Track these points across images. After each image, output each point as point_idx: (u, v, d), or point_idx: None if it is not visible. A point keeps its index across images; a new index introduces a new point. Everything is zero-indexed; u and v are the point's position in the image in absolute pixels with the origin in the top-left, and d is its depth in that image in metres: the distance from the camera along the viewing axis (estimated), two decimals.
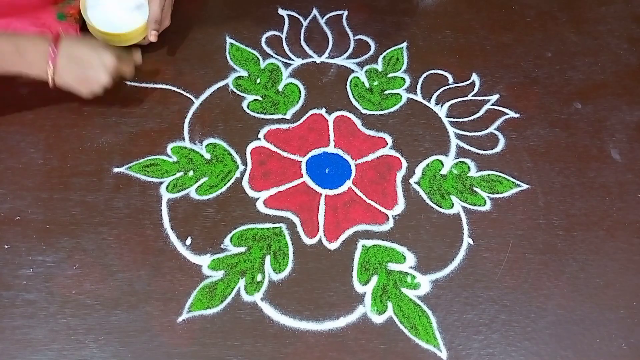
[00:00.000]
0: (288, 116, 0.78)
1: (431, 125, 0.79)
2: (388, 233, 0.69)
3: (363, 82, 0.82)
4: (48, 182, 0.68)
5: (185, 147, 0.73)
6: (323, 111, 0.79)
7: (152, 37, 0.75)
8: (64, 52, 0.65)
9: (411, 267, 0.67)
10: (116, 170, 0.70)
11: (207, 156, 0.73)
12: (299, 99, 0.79)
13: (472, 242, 0.69)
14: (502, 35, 0.90)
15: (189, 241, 0.66)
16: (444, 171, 0.75)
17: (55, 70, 0.64)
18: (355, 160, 0.75)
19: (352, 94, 0.81)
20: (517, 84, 0.84)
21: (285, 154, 0.74)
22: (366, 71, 0.83)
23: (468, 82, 0.83)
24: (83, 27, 0.77)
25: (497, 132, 0.79)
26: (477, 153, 0.77)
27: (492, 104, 0.82)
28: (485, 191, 0.73)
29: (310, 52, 0.84)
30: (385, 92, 0.81)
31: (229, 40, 0.84)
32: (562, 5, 0.95)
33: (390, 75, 0.83)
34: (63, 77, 0.66)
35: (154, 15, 0.74)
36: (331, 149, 0.75)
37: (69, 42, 0.66)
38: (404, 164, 0.75)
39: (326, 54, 0.84)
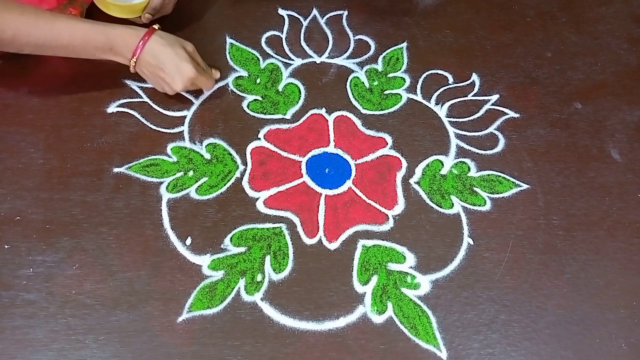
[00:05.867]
0: (288, 116, 0.78)
1: (431, 125, 0.79)
2: (388, 233, 0.69)
3: (363, 82, 0.82)
4: (48, 182, 0.68)
5: (185, 147, 0.73)
6: (323, 111, 0.79)
7: (145, 19, 0.79)
8: (149, 51, 0.69)
9: (411, 267, 0.67)
10: (116, 170, 0.70)
11: (207, 156, 0.73)
12: (299, 99, 0.79)
13: (472, 242, 0.69)
14: (502, 35, 0.90)
15: (189, 241, 0.66)
16: (444, 171, 0.75)
17: (137, 61, 0.70)
18: (355, 160, 0.75)
19: (352, 94, 0.81)
20: (517, 84, 0.84)
21: (285, 154, 0.74)
22: (366, 71, 0.83)
23: (468, 82, 0.83)
24: None
25: (497, 132, 0.79)
26: (477, 153, 0.77)
27: (492, 104, 0.82)
28: (485, 191, 0.73)
29: (310, 52, 0.84)
30: (385, 92, 0.81)
31: (229, 40, 0.84)
32: (562, 5, 0.95)
33: (390, 75, 0.83)
34: (141, 69, 0.72)
35: (155, 3, 0.77)
36: (331, 149, 0.75)
37: (157, 41, 0.69)
38: (404, 164, 0.75)
39: (326, 54, 0.84)
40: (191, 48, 0.73)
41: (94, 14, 0.78)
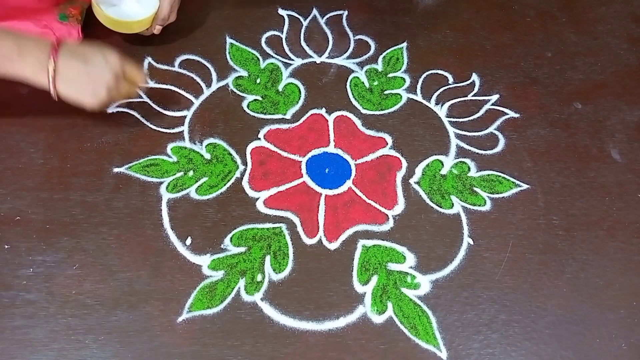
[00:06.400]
0: (288, 116, 0.78)
1: (431, 125, 0.79)
2: (388, 233, 0.69)
3: (363, 82, 0.82)
4: (48, 182, 0.68)
5: (185, 147, 0.73)
6: (323, 111, 0.79)
7: (157, 31, 0.78)
8: (66, 49, 0.62)
9: (411, 267, 0.67)
10: (116, 170, 0.70)
11: (207, 156, 0.73)
12: (299, 99, 0.79)
13: (472, 242, 0.69)
14: (502, 35, 0.90)
15: (189, 241, 0.66)
16: (444, 171, 0.75)
17: (56, 67, 0.61)
18: (355, 160, 0.75)
19: (352, 94, 0.81)
20: (517, 84, 0.84)
21: (285, 154, 0.74)
22: (366, 71, 0.83)
23: (468, 82, 0.84)
24: (84, 27, 0.77)
25: (497, 132, 0.79)
26: (477, 153, 0.77)
27: (492, 104, 0.82)
28: (485, 191, 0.73)
29: (310, 52, 0.84)
30: (385, 92, 0.81)
31: (229, 40, 0.84)
32: (562, 5, 0.95)
33: (390, 75, 0.83)
34: (65, 75, 0.62)
35: (163, 13, 0.76)
36: (331, 149, 0.75)
37: (71, 43, 0.64)
38: (404, 164, 0.75)
39: (326, 54, 0.84)
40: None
41: (93, 15, 0.78)
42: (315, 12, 0.89)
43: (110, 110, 0.75)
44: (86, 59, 0.63)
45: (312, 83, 0.81)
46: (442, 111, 0.80)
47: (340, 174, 0.73)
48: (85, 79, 0.63)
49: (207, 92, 0.78)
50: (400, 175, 0.74)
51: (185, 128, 0.75)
